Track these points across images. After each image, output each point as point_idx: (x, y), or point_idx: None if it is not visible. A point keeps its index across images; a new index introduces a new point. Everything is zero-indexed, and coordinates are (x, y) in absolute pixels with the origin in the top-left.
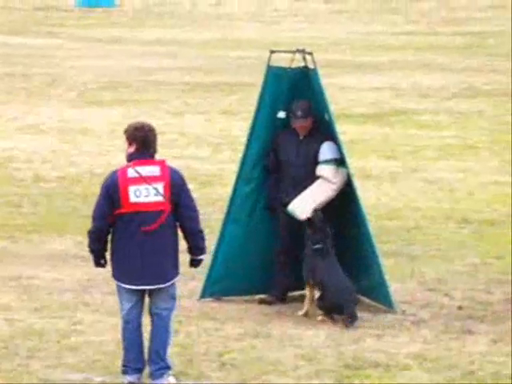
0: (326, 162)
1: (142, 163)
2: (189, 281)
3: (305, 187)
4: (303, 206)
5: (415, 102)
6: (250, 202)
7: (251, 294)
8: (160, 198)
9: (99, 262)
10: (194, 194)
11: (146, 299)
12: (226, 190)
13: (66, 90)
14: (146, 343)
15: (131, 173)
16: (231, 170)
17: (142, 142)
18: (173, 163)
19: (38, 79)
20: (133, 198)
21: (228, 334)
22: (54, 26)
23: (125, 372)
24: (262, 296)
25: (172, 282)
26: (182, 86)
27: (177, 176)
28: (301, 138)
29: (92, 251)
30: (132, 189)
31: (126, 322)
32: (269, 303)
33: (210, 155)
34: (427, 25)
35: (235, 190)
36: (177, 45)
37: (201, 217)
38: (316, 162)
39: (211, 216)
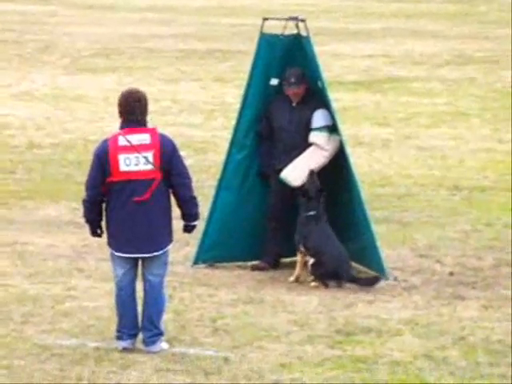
0: (319, 129)
1: (133, 131)
2: (182, 247)
3: (297, 154)
4: (296, 172)
5: (407, 69)
6: (243, 169)
7: (244, 260)
8: (150, 167)
9: (95, 231)
10: (188, 161)
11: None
12: (220, 157)
13: (59, 56)
14: (140, 309)
15: (121, 141)
16: (224, 137)
17: (127, 108)
18: (166, 130)
19: (31, 46)
20: (123, 167)
21: (221, 300)
22: None
23: (119, 338)
24: (255, 262)
25: (165, 250)
26: (175, 53)
27: (168, 143)
28: (294, 104)
29: (87, 221)
30: (122, 157)
31: (119, 289)
32: (261, 269)
33: (204, 122)
34: None
35: (228, 157)
36: (170, 12)
37: (194, 184)
38: (308, 129)
39: (204, 183)
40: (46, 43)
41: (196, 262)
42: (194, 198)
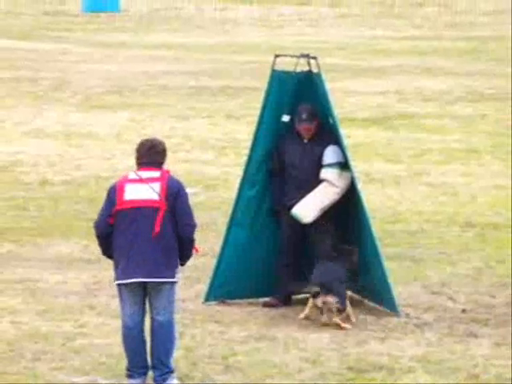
0: (330, 165)
1: (146, 169)
2: (194, 284)
3: (309, 190)
4: (307, 209)
5: (419, 106)
6: (255, 206)
7: (256, 296)
8: (155, 196)
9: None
10: (199, 198)
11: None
12: (231, 194)
13: (71, 94)
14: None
15: (132, 175)
16: (236, 174)
17: (139, 153)
18: (178, 167)
19: (44, 83)
20: (128, 196)
21: (233, 337)
22: (61, 31)
23: (130, 376)
24: (267, 299)
25: (166, 280)
26: (187, 90)
27: (175, 182)
28: (305, 141)
29: (108, 257)
30: (128, 187)
31: (127, 329)
32: (273, 306)
33: (215, 159)
34: (431, 29)
35: (239, 194)
36: (182, 49)
37: (206, 220)
38: (320, 166)
39: (216, 219)
40: (59, 81)
41: (207, 299)
42: (193, 241)
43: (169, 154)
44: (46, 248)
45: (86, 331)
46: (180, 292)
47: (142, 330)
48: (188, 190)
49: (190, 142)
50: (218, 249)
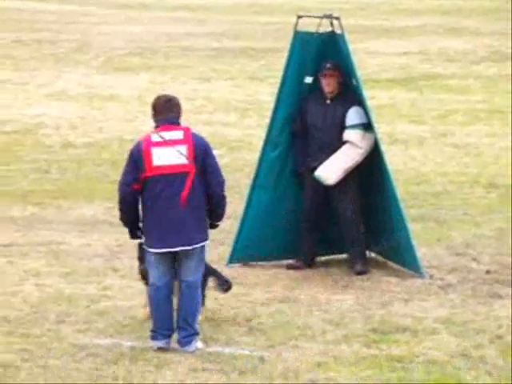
0: (353, 126)
1: (166, 129)
2: (217, 246)
3: (331, 152)
4: (330, 171)
5: (443, 66)
6: (278, 167)
7: (279, 258)
8: (184, 160)
9: (135, 233)
10: (223, 160)
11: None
12: (254, 156)
13: (93, 56)
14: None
15: (155, 137)
16: (258, 136)
17: (161, 110)
18: (200, 129)
19: (66, 45)
20: (156, 161)
21: (256, 299)
22: None
23: (154, 337)
24: (290, 261)
25: (198, 245)
26: (209, 52)
27: (201, 140)
28: (328, 102)
29: (125, 223)
30: (155, 152)
31: (155, 290)
32: (297, 268)
33: (238, 121)
34: None
35: (262, 156)
36: (204, 10)
37: (229, 183)
38: (343, 127)
39: (239, 182)
40: (81, 43)
41: (231, 261)
42: (225, 198)
43: (191, 116)
44: (69, 211)
45: (110, 293)
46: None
47: (169, 291)
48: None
49: (212, 103)
50: (241, 211)
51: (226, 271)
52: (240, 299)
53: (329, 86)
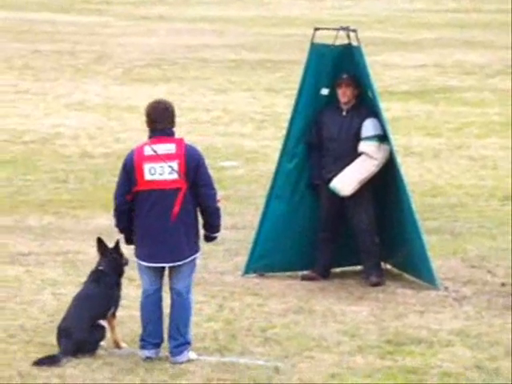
0: (369, 138)
1: (159, 141)
2: (232, 257)
3: (347, 163)
4: (345, 182)
5: (459, 79)
6: (293, 179)
7: (294, 269)
8: (175, 176)
9: (130, 239)
10: (238, 171)
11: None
12: (270, 167)
13: (112, 67)
14: (166, 319)
15: (147, 151)
16: (275, 147)
17: (154, 119)
18: (217, 140)
19: (84, 56)
20: (147, 176)
21: (271, 310)
22: (101, 4)
23: (143, 347)
24: (305, 272)
25: (190, 259)
26: (226, 64)
27: (194, 153)
28: (344, 114)
29: (120, 231)
30: (147, 166)
31: (145, 297)
32: (312, 279)
33: (254, 132)
34: (470, 2)
35: (278, 167)
36: (222, 22)
37: (245, 193)
38: (358, 139)
39: (255, 193)
40: (99, 54)
41: (246, 272)
42: (218, 210)
43: (208, 127)
44: (86, 220)
45: (126, 303)
46: (219, 265)
47: (159, 299)
48: (227, 163)
49: (229, 115)
50: (256, 222)
51: (242, 282)
52: (255, 310)
53: (344, 96)
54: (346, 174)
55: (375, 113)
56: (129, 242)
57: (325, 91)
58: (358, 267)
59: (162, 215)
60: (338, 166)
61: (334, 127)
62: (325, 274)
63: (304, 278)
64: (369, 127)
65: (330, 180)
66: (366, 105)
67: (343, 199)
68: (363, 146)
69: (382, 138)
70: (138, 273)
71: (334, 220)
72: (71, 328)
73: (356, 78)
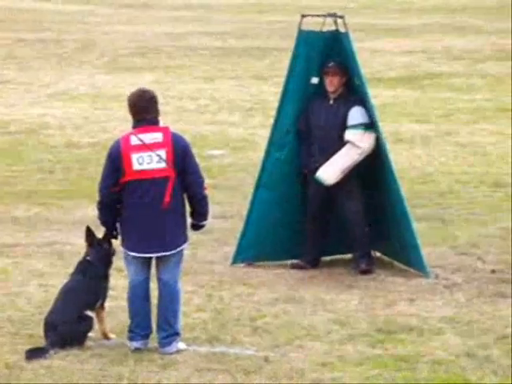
0: (354, 126)
1: (145, 130)
2: (221, 246)
3: (333, 152)
4: (329, 171)
5: (447, 64)
6: (282, 168)
7: (283, 259)
8: (163, 165)
9: (111, 233)
10: (227, 159)
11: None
12: (258, 155)
13: (97, 55)
14: (154, 310)
15: (134, 140)
16: (263, 136)
17: (138, 108)
18: (204, 128)
19: (69, 45)
20: (136, 166)
21: (260, 299)
22: None
23: (131, 338)
24: (294, 261)
25: (179, 249)
26: (213, 51)
27: (180, 141)
28: (331, 102)
29: (102, 223)
30: (135, 156)
31: (132, 288)
32: (301, 268)
33: (242, 120)
34: None
35: (267, 156)
36: (207, 10)
37: (233, 182)
38: (345, 127)
39: (243, 181)
40: (84, 42)
41: (235, 261)
42: (206, 197)
43: (196, 116)
44: (73, 211)
45: (114, 294)
46: (208, 254)
47: (147, 290)
48: (215, 152)
49: (216, 103)
50: (245, 211)
51: (231, 271)
52: (244, 299)
53: (331, 85)
54: (330, 163)
55: (362, 101)
56: (110, 236)
57: (315, 80)
58: (348, 256)
59: (151, 205)
60: (325, 154)
61: (321, 115)
62: (314, 263)
63: (293, 267)
64: (354, 116)
65: (316, 169)
66: (353, 93)
67: (330, 189)
68: (348, 135)
69: (369, 125)
70: (124, 263)
71: (322, 209)
72: (57, 321)
73: (343, 65)
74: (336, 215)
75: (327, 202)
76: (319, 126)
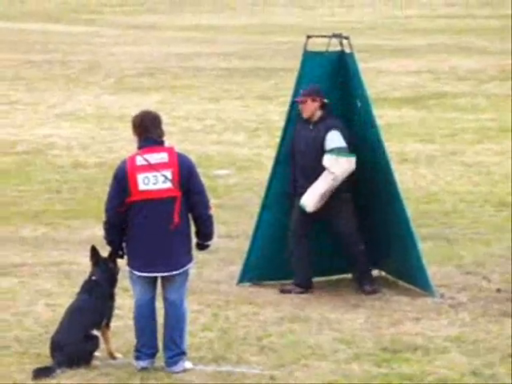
0: (329, 151)
1: (151, 151)
2: (227, 266)
3: (316, 177)
4: (310, 198)
5: (452, 85)
6: (286, 187)
7: (289, 278)
8: (169, 185)
9: (117, 253)
10: (232, 179)
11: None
12: (263, 175)
13: (104, 76)
14: (160, 329)
15: (139, 160)
16: (268, 155)
17: (143, 128)
18: (210, 149)
19: (76, 66)
20: (141, 186)
21: (266, 319)
22: (92, 13)
23: (137, 358)
24: (286, 286)
25: (184, 269)
26: (218, 72)
27: (186, 162)
28: (310, 127)
29: (108, 243)
30: (140, 176)
31: (138, 307)
32: (288, 292)
33: (247, 140)
34: (463, 8)
35: (272, 175)
36: (213, 30)
37: (239, 202)
38: (323, 152)
39: (248, 201)
40: (91, 63)
41: (241, 281)
42: (211, 217)
43: (201, 136)
44: (80, 230)
45: (121, 313)
46: (214, 274)
47: (153, 309)
48: (221, 172)
49: (222, 123)
50: (251, 231)
51: (237, 290)
52: (250, 318)
53: (304, 111)
54: (311, 189)
55: (337, 126)
56: (116, 254)
57: None
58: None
59: (157, 225)
60: (305, 179)
61: (301, 141)
62: (308, 287)
63: (283, 291)
64: (328, 141)
65: (301, 194)
66: (332, 117)
67: (319, 212)
68: (324, 160)
69: (342, 150)
70: (130, 283)
71: (306, 232)
72: (64, 341)
73: (314, 89)
74: (331, 236)
75: (311, 225)
76: (300, 151)
